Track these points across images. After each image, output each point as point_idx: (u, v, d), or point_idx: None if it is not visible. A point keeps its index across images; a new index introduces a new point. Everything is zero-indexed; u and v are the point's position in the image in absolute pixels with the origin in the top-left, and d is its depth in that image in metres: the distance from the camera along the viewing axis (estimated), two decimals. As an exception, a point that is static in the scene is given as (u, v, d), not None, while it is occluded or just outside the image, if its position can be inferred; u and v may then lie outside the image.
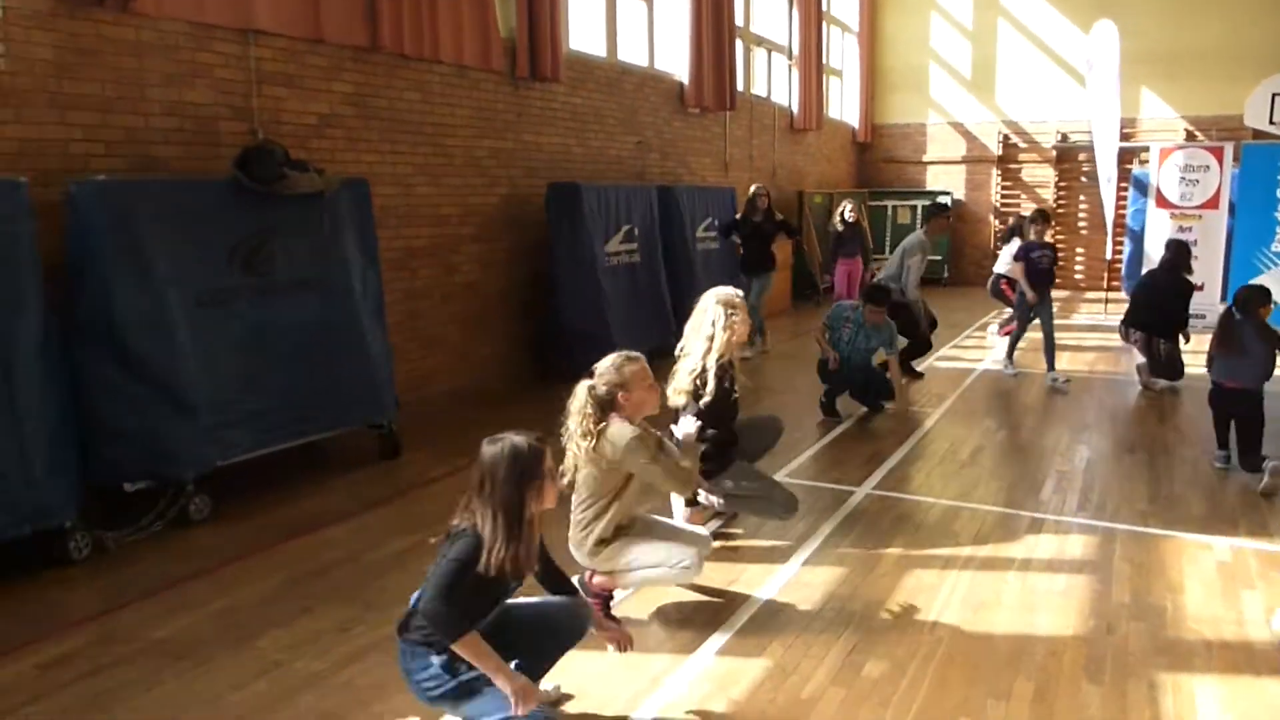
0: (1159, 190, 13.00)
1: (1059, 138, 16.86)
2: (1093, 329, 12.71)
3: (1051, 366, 8.97)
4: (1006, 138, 17.32)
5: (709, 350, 4.75)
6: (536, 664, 3.15)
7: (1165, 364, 8.28)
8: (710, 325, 4.77)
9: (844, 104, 17.43)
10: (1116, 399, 8.45)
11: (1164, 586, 4.45)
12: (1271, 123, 14.56)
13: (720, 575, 4.46)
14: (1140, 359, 8.71)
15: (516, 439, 2.95)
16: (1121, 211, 16.33)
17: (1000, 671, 3.66)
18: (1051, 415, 7.76)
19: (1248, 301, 6.08)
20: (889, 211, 17.68)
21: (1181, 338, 8.39)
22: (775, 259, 10.49)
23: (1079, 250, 17.15)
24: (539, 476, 2.95)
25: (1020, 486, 5.89)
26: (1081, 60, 16.27)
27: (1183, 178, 12.84)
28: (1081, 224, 17.13)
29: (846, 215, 12.36)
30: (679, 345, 4.95)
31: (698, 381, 4.72)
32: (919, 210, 17.58)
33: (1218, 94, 15.40)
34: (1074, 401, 8.28)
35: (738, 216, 10.58)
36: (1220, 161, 12.67)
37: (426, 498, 5.59)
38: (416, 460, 6.31)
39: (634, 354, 3.97)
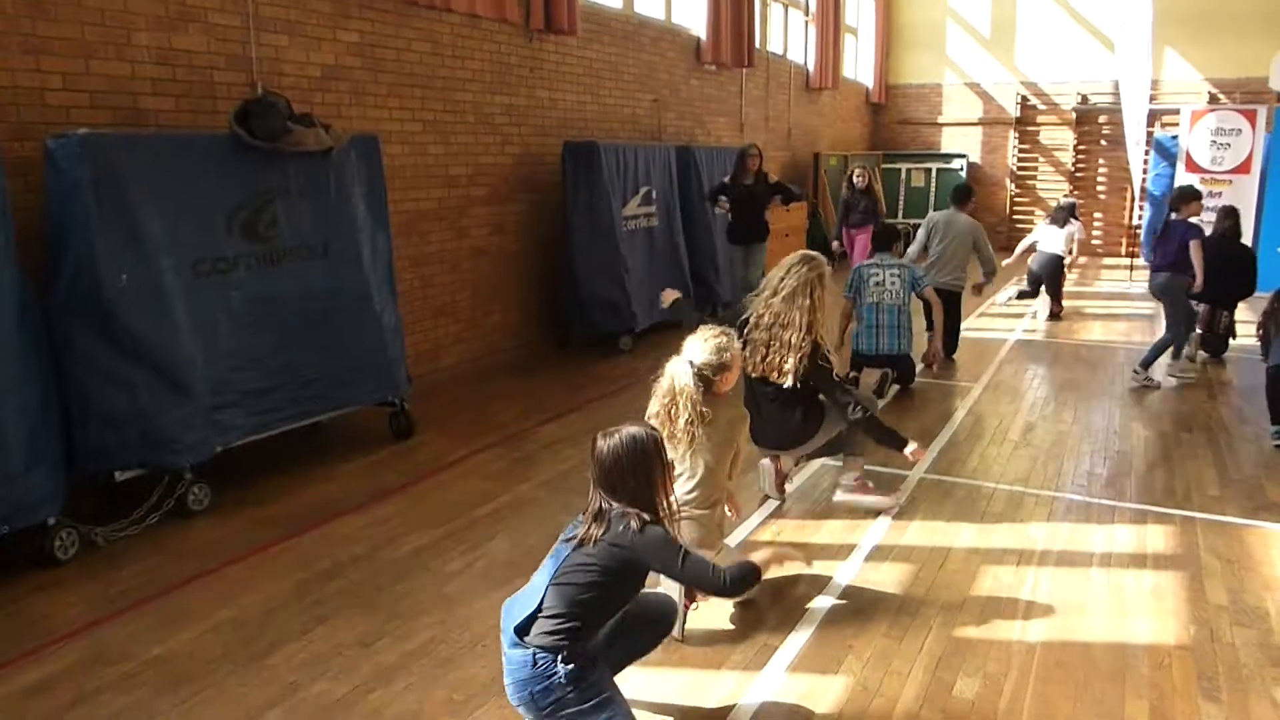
0: (1189, 154, 12.52)
1: (1079, 99, 16.31)
2: (1120, 296, 12.26)
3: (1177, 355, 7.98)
4: (1025, 99, 16.77)
5: (811, 326, 4.37)
6: (631, 654, 3.03)
7: (1222, 337, 7.86)
8: (808, 295, 4.36)
9: (859, 63, 16.82)
10: (1159, 373, 8.02)
11: (1259, 585, 4.05)
12: (1299, 84, 14.10)
13: (781, 571, 4.03)
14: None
15: (633, 430, 2.79)
16: (1142, 176, 15.87)
17: (1106, 689, 3.26)
18: (1096, 390, 7.34)
19: None
20: (903, 175, 17.15)
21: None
22: (768, 227, 9.27)
23: (1097, 215, 16.67)
24: (663, 464, 2.82)
25: (1081, 469, 5.47)
26: (1104, 19, 15.72)
27: (1214, 141, 12.37)
28: (1100, 188, 16.64)
29: (856, 180, 11.18)
30: (750, 313, 4.53)
31: (804, 362, 4.38)
32: (933, 173, 17.12)
33: (1243, 56, 14.89)
34: (1117, 374, 7.86)
35: (725, 180, 9.11)
36: (1253, 125, 12.19)
37: (445, 484, 5.15)
38: (432, 441, 5.85)
39: (726, 329, 3.65)
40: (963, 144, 17.28)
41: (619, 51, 9.42)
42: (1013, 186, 17.10)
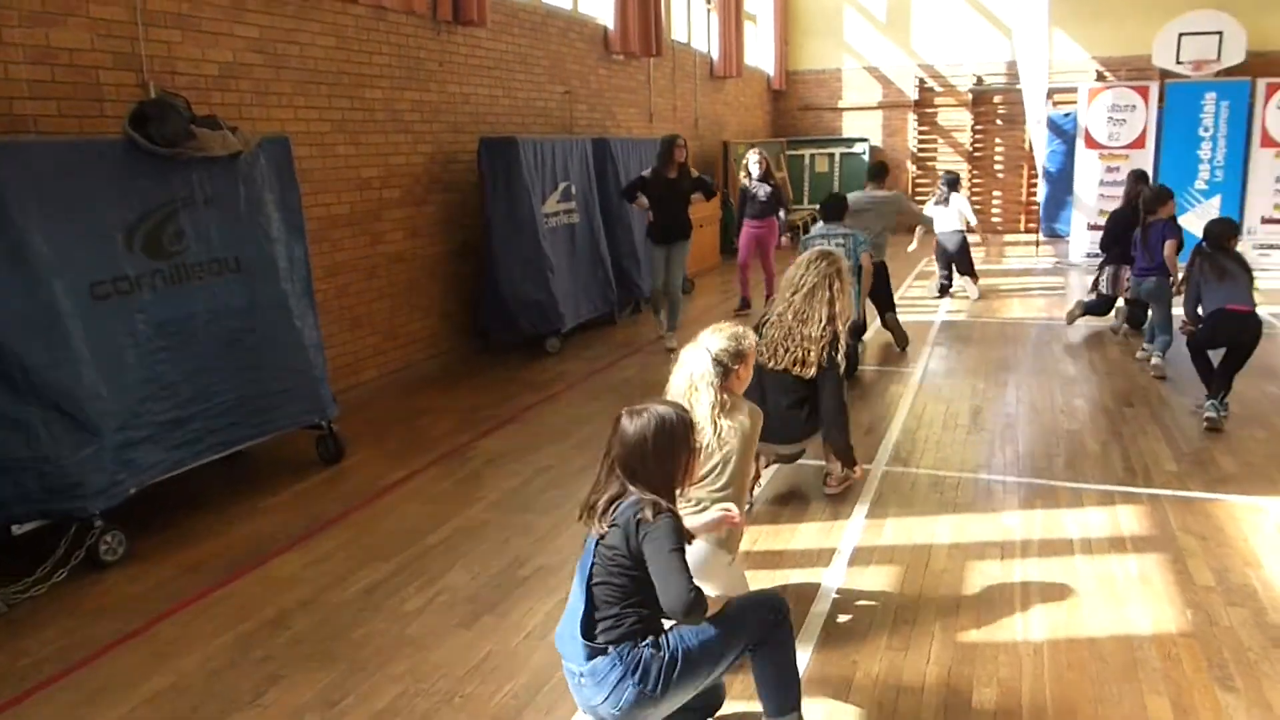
0: (1087, 131, 12.81)
1: (975, 81, 16.61)
2: (1028, 272, 12.48)
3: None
4: (922, 82, 17.00)
5: (832, 318, 4.47)
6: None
7: (1143, 305, 7.91)
8: (829, 289, 4.47)
9: (759, 50, 16.77)
10: (1089, 347, 8.11)
11: (1241, 562, 4.01)
12: (1178, 63, 14.61)
13: (761, 583, 3.80)
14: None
15: (662, 409, 2.60)
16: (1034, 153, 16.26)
17: (1123, 687, 3.12)
18: (1031, 369, 7.36)
19: (1220, 236, 6.02)
20: (807, 160, 17.19)
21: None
22: (691, 224, 8.46)
23: (996, 193, 17.02)
24: (689, 450, 2.62)
25: (1037, 452, 5.41)
26: (996, 1, 16.03)
27: (1110, 118, 12.68)
28: (998, 167, 16.99)
29: (752, 166, 9.69)
30: (769, 313, 4.67)
31: (826, 350, 4.47)
32: (837, 158, 17.22)
33: (1127, 35, 15.35)
34: (1045, 351, 7.91)
35: (644, 174, 8.18)
36: (1146, 101, 12.54)
37: (387, 511, 4.75)
38: (364, 464, 5.44)
39: (740, 325, 3.51)
40: (864, 128, 17.41)
41: (529, 43, 9.06)
42: (914, 168, 17.32)
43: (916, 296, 10.61)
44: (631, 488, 2.53)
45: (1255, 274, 6.11)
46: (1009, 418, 6.09)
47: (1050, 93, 15.14)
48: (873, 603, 3.72)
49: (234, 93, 5.69)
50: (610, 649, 2.49)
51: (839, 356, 4.51)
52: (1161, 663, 3.27)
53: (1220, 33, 14.18)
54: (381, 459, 5.50)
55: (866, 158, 16.76)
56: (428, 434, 5.98)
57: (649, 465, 2.53)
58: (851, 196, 7.82)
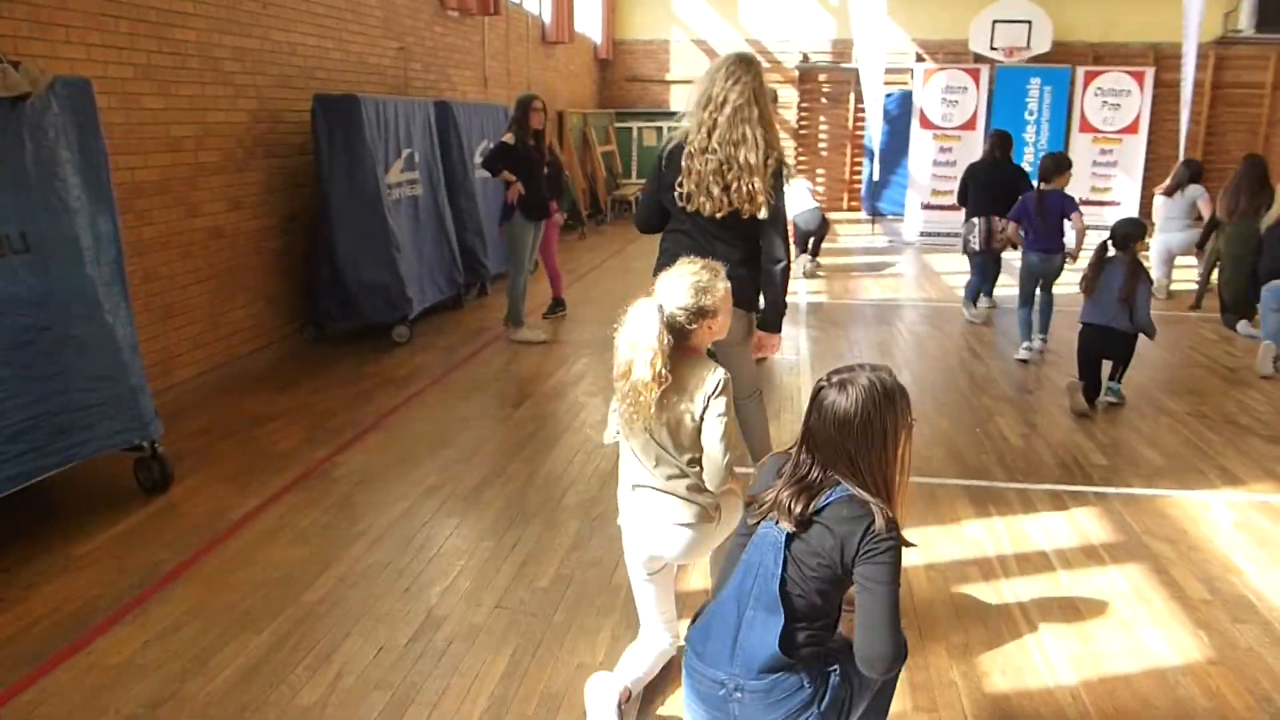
0: (922, 111, 12.94)
1: (801, 58, 16.57)
2: (869, 251, 12.48)
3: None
4: (750, 57, 16.79)
5: (770, 142, 3.46)
6: None
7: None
8: (754, 105, 3.42)
9: (587, 17, 16.02)
10: (960, 328, 7.99)
11: (1220, 568, 3.78)
12: (992, 48, 15.14)
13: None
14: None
15: (879, 376, 2.09)
16: (859, 132, 16.46)
17: (1185, 740, 2.72)
18: (917, 354, 7.12)
19: (1127, 236, 5.70)
20: (635, 133, 16.69)
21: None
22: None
23: (820, 171, 17.11)
24: (910, 432, 2.14)
25: (967, 451, 5.08)
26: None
27: (944, 99, 12.85)
28: (823, 145, 17.07)
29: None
30: (673, 140, 3.56)
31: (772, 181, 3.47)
32: (665, 132, 16.75)
33: (947, 19, 15.69)
34: (925, 335, 7.72)
35: (505, 140, 7.16)
36: (978, 83, 12.78)
37: (239, 556, 3.76)
38: (200, 492, 4.37)
39: (711, 263, 2.73)
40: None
41: (361, -12, 7.96)
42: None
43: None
44: (831, 475, 2.07)
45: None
46: (921, 414, 5.70)
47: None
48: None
49: (7, 20, 4.42)
50: (799, 668, 2.06)
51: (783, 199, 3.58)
52: (1208, 701, 2.90)
53: (1030, 22, 14.79)
54: (221, 484, 4.45)
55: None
56: (273, 448, 4.96)
57: (867, 451, 2.04)
58: None
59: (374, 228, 6.89)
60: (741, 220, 3.49)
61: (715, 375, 2.61)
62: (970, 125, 12.80)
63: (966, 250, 8.20)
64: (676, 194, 3.52)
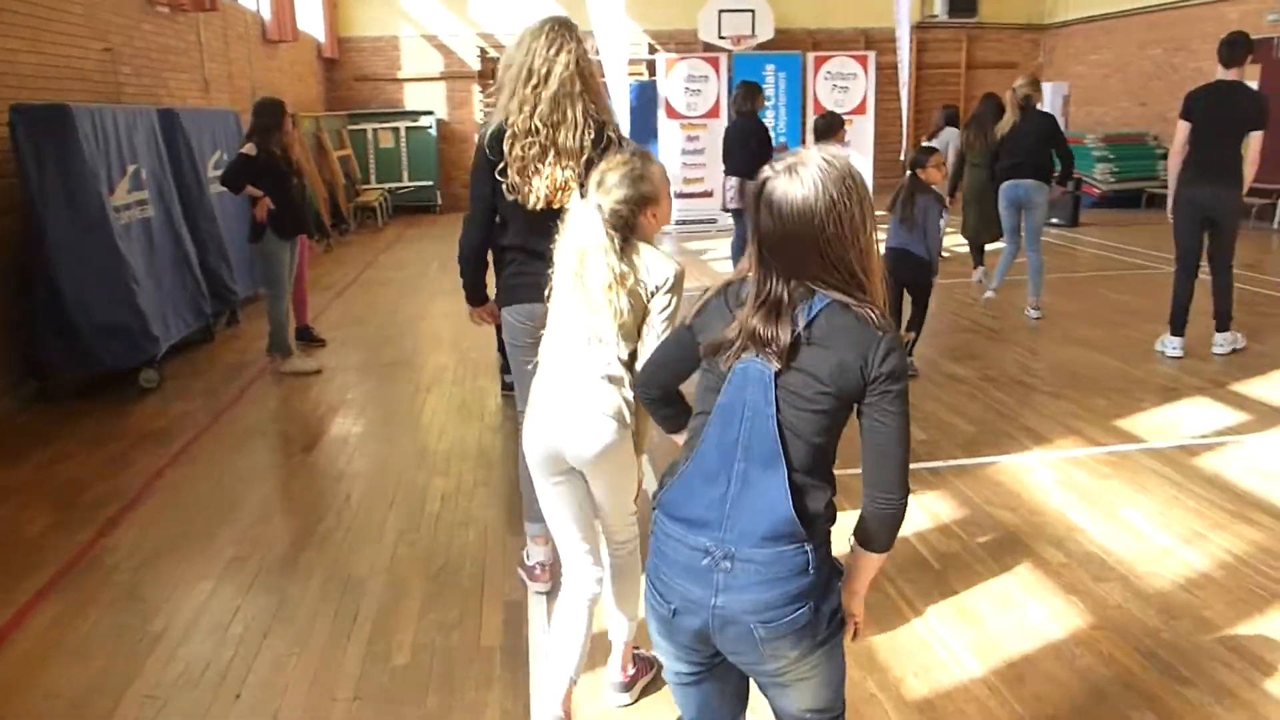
0: (667, 101, 13.07)
1: (537, 51, 16.31)
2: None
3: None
4: (484, 52, 16.29)
5: (603, 124, 3.12)
6: None
7: None
8: (580, 80, 3.06)
9: (308, 14, 14.92)
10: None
11: (1063, 527, 3.96)
12: (720, 37, 15.63)
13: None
14: None
15: (825, 153, 1.71)
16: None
17: (1100, 711, 2.73)
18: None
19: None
20: (370, 135, 15.78)
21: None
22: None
23: (567, 167, 16.96)
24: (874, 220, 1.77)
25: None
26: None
27: (687, 88, 13.04)
28: (566, 140, 16.92)
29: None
30: (495, 122, 3.10)
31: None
32: (402, 133, 15.99)
33: (674, 11, 15.96)
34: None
35: (245, 152, 6.35)
36: (718, 72, 13.07)
37: (6, 689, 2.99)
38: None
39: (638, 150, 2.58)
40: (428, 100, 16.33)
41: (55, -16, 6.82)
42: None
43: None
44: (819, 289, 1.69)
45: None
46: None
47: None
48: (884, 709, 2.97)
49: None
50: (809, 545, 1.69)
51: None
52: (1107, 669, 2.94)
53: (753, 11, 15.37)
54: (-46, 595, 3.57)
55: (434, 132, 15.82)
56: (16, 534, 4.08)
57: (839, 244, 1.66)
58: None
59: (104, 259, 5.92)
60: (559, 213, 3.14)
61: (668, 267, 2.48)
62: (714, 113, 13.08)
63: (725, 207, 8.76)
64: (504, 185, 3.11)
